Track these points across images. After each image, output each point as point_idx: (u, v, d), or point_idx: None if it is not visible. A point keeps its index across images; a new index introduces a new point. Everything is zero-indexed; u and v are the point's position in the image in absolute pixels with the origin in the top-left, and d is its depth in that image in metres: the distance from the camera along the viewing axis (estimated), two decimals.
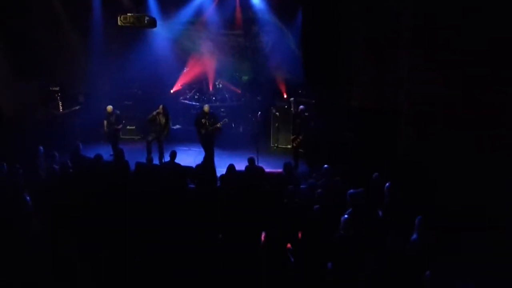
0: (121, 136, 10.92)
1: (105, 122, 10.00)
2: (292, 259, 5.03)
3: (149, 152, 9.45)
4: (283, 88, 12.11)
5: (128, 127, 11.34)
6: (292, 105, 9.97)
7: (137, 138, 11.78)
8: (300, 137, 9.52)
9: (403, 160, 8.32)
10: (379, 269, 4.57)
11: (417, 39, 8.03)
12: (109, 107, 9.98)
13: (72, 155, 8.17)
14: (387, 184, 6.35)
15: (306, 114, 9.65)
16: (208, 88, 12.64)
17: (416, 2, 8.11)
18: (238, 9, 12.07)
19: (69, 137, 9.86)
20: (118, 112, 10.11)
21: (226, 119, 10.15)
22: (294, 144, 9.80)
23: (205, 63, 12.57)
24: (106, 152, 9.32)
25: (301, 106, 9.71)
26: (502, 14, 6.96)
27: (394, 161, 8.36)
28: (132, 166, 8.08)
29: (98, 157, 7.75)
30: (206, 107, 9.77)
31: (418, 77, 8.09)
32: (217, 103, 12.34)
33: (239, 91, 12.58)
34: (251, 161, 7.87)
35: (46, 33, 10.91)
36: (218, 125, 9.61)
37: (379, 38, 9.11)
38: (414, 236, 5.15)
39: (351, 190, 6.05)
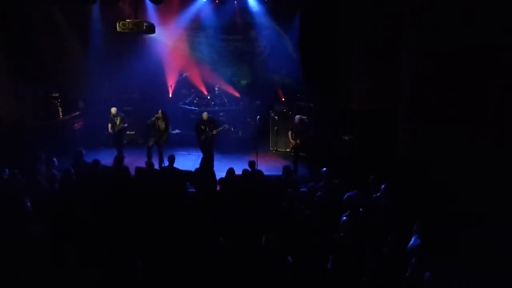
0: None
1: (109, 125, 10.04)
2: (292, 262, 5.05)
3: (149, 157, 9.46)
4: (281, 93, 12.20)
5: (128, 132, 11.36)
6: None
7: (139, 143, 11.82)
8: (298, 141, 9.54)
9: (402, 162, 8.35)
10: (379, 270, 4.59)
11: (418, 41, 8.06)
12: (113, 109, 10.04)
13: (74, 161, 8.19)
14: (383, 186, 6.39)
15: (305, 117, 9.68)
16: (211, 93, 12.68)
17: (416, 5, 8.16)
18: (236, 14, 12.13)
19: (69, 143, 9.91)
20: (122, 114, 10.18)
21: (227, 125, 10.17)
22: (292, 146, 9.80)
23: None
24: (106, 157, 9.32)
25: (297, 116, 9.71)
26: (501, 17, 7.00)
27: (393, 163, 8.39)
28: (132, 171, 8.11)
29: (96, 162, 7.78)
30: (204, 115, 9.80)
31: (417, 80, 8.13)
32: (216, 107, 12.38)
33: (238, 95, 12.63)
34: (251, 164, 7.88)
35: (45, 39, 10.96)
36: (219, 130, 9.63)
37: (377, 41, 9.15)
38: (414, 238, 5.17)
39: (348, 193, 6.08)
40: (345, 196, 6.02)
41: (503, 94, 7.05)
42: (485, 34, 7.16)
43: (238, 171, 7.65)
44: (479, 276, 4.68)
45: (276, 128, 11.37)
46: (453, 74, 7.54)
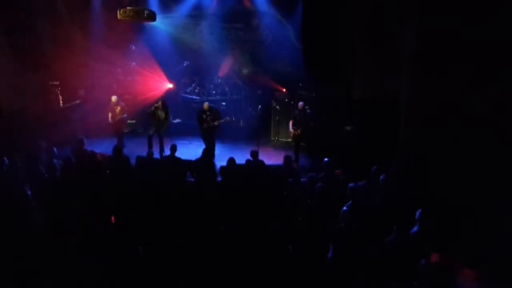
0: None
1: (109, 114, 10.01)
2: (293, 251, 5.06)
3: (150, 146, 9.45)
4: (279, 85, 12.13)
5: (128, 121, 11.34)
6: None
7: (139, 132, 11.81)
8: (298, 131, 9.51)
9: (404, 153, 8.32)
10: (379, 260, 4.60)
11: (420, 31, 7.99)
12: (114, 98, 10.00)
13: (75, 149, 8.17)
14: (382, 176, 6.37)
15: (307, 107, 9.65)
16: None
17: None
18: (238, 1, 12.02)
19: (69, 131, 9.89)
20: (123, 103, 10.14)
21: (228, 118, 10.12)
22: (291, 135, 9.78)
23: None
24: (107, 146, 9.31)
25: (301, 103, 9.68)
26: (505, 12, 6.91)
27: (394, 153, 8.37)
28: (133, 160, 8.10)
29: (92, 153, 7.77)
30: (205, 105, 9.75)
31: (420, 69, 8.07)
32: (218, 97, 12.34)
33: (240, 84, 12.58)
34: (254, 154, 7.85)
35: (46, 27, 10.88)
36: (220, 121, 9.62)
37: (379, 30, 9.07)
38: (415, 228, 5.18)
39: (351, 184, 6.07)
40: (351, 185, 6.00)
41: (506, 89, 6.99)
42: (491, 28, 7.08)
43: (240, 161, 7.63)
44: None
45: (277, 118, 11.34)
46: (455, 64, 7.47)
